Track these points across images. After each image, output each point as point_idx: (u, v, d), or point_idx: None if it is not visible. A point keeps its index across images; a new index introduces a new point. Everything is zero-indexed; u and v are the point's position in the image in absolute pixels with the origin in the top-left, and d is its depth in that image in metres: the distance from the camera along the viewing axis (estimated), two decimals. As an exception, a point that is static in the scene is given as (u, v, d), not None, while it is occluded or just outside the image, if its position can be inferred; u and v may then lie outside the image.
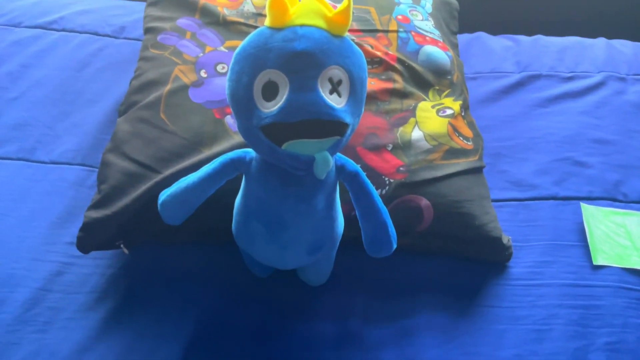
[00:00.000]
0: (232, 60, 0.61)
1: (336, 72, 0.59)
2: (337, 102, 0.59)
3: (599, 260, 0.88)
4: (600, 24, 1.50)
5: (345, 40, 0.61)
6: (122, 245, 0.79)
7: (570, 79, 1.17)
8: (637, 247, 0.90)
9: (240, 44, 0.61)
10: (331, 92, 0.58)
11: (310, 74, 0.57)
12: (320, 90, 0.57)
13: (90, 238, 0.77)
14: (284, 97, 0.57)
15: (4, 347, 0.72)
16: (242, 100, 0.60)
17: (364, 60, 0.63)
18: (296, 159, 0.60)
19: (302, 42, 0.57)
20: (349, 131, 0.61)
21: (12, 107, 1.00)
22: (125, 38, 1.14)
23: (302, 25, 0.58)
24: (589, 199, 0.96)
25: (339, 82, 0.59)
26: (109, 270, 0.81)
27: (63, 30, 1.14)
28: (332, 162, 0.61)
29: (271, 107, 0.58)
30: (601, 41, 1.28)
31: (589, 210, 0.94)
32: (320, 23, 0.59)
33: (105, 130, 0.97)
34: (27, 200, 0.87)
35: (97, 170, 0.89)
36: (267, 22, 0.60)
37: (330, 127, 0.58)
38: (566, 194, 0.96)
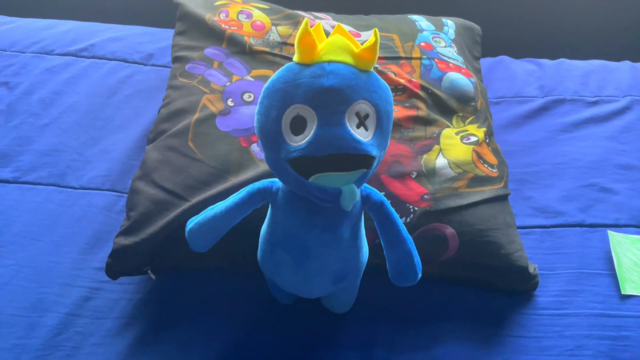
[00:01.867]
0: (262, 94, 0.62)
1: (363, 106, 0.59)
2: (364, 135, 0.59)
3: (627, 289, 0.86)
4: (625, 47, 1.49)
5: (372, 74, 0.62)
6: (149, 271, 0.80)
7: (594, 103, 1.16)
8: (667, 277, 0.89)
9: (270, 78, 0.62)
10: (358, 126, 0.59)
11: (338, 109, 0.58)
12: (348, 124, 0.58)
13: (119, 264, 0.78)
14: (312, 131, 0.58)
15: (34, 372, 0.74)
16: (270, 133, 0.61)
17: (390, 94, 0.63)
18: (323, 191, 0.60)
19: (330, 79, 0.58)
20: (375, 163, 0.62)
21: (43, 133, 1.02)
22: (153, 65, 1.17)
23: (330, 62, 0.59)
24: (616, 226, 0.95)
25: (366, 116, 0.60)
26: (136, 295, 0.82)
27: (93, 57, 1.17)
28: (358, 194, 0.62)
29: (299, 141, 0.59)
30: (626, 64, 1.27)
31: (616, 238, 0.93)
32: (348, 59, 0.60)
33: (134, 156, 0.99)
34: (58, 225, 0.89)
35: (125, 195, 0.91)
36: (295, 57, 0.61)
37: (357, 160, 0.59)
38: (593, 221, 0.95)
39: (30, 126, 1.03)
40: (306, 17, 1.04)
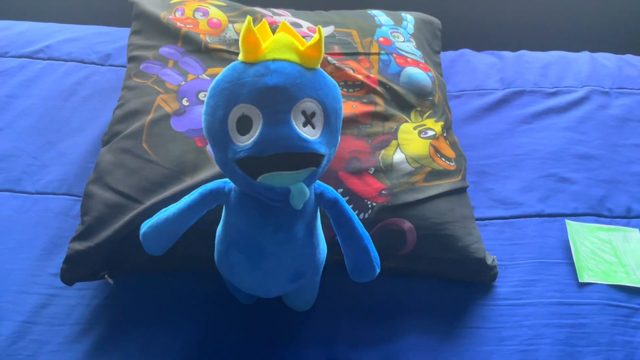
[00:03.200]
0: (207, 94, 0.61)
1: (309, 104, 0.59)
2: (311, 134, 0.59)
3: (584, 277, 0.88)
4: (584, 38, 1.52)
5: (318, 72, 0.61)
6: (106, 276, 0.79)
7: (554, 94, 1.18)
8: (623, 263, 0.90)
9: (215, 77, 0.61)
10: (305, 125, 0.59)
11: (283, 108, 0.58)
12: (294, 123, 0.58)
13: (74, 270, 0.77)
14: (258, 131, 0.57)
15: (-12, 383, 0.72)
16: (217, 134, 0.60)
17: (338, 91, 0.63)
18: (272, 190, 0.60)
19: (274, 77, 0.58)
20: (324, 161, 0.61)
21: (-3, 138, 1.00)
22: (111, 65, 1.15)
23: (274, 60, 0.59)
24: (574, 215, 0.97)
25: (313, 114, 0.60)
26: (94, 300, 0.81)
27: (49, 59, 1.15)
28: (308, 192, 0.61)
29: (245, 141, 0.58)
30: (585, 55, 1.29)
31: (574, 227, 0.94)
32: (293, 57, 0.59)
33: (91, 159, 0.97)
34: (13, 231, 0.88)
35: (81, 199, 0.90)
36: (240, 56, 0.61)
37: (304, 159, 0.59)
38: (551, 211, 0.97)
39: (-17, 131, 1.01)
40: (264, 13, 1.03)
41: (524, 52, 1.29)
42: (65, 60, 1.15)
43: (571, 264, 0.90)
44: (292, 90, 0.58)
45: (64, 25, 1.24)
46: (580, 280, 0.87)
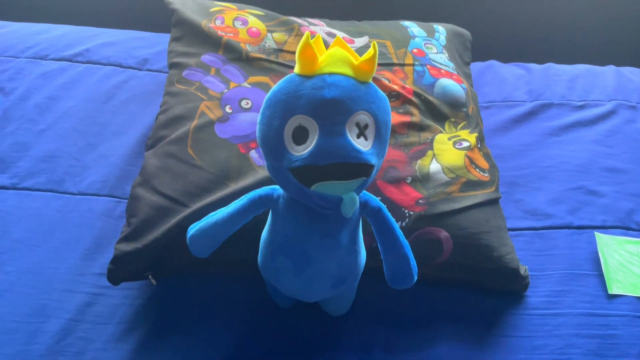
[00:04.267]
0: (263, 105, 0.64)
1: (363, 117, 0.61)
2: (363, 145, 0.61)
3: (613, 289, 0.89)
4: (610, 51, 1.53)
5: (370, 85, 0.64)
6: (150, 277, 0.82)
7: (581, 107, 1.20)
8: (652, 276, 0.92)
9: (271, 89, 0.64)
10: (358, 136, 0.61)
11: (339, 119, 0.60)
12: (348, 134, 0.60)
13: (120, 270, 0.79)
14: (314, 141, 0.60)
15: (37, 378, 0.75)
16: (272, 143, 0.62)
17: (388, 104, 0.65)
18: (324, 199, 0.62)
19: (331, 90, 0.60)
20: (374, 172, 0.64)
21: (40, 139, 1.03)
22: (148, 70, 1.18)
23: (330, 74, 0.61)
24: (602, 227, 0.98)
25: (366, 126, 0.62)
26: (138, 300, 0.83)
27: (88, 62, 1.18)
28: (358, 201, 0.64)
29: (301, 151, 0.60)
30: (611, 69, 1.31)
31: (603, 240, 0.96)
32: (347, 71, 0.62)
33: (131, 161, 1.00)
34: (57, 231, 0.90)
35: (124, 201, 0.92)
36: (296, 69, 0.63)
37: (357, 169, 0.61)
38: (580, 223, 0.98)
39: (26, 132, 1.03)
40: (300, 23, 1.06)
41: (551, 65, 1.31)
42: (104, 64, 1.17)
43: (600, 275, 0.91)
44: (347, 103, 0.60)
45: (102, 29, 1.27)
46: (609, 292, 0.89)
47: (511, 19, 1.54)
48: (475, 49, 1.26)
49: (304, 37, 0.60)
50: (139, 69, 1.18)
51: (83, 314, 0.81)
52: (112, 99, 1.11)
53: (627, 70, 1.31)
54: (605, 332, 0.84)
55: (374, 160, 0.62)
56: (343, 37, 1.05)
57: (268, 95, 0.64)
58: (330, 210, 0.64)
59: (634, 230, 0.99)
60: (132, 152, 1.01)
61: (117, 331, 0.80)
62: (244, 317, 0.82)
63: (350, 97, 0.60)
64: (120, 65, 1.18)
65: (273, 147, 0.63)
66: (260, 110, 0.64)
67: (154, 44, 1.23)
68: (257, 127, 0.64)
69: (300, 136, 0.60)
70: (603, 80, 1.26)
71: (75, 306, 0.82)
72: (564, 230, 0.97)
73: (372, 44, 0.62)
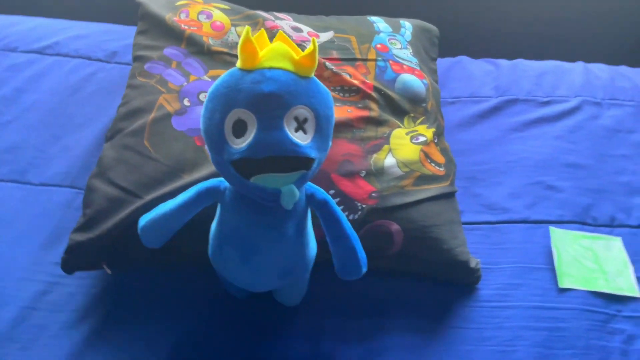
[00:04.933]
0: (207, 97, 0.65)
1: (302, 111, 0.63)
2: (302, 138, 0.63)
3: (565, 283, 0.91)
4: (580, 48, 1.54)
5: (312, 80, 0.65)
6: (104, 266, 0.83)
7: (546, 103, 1.21)
8: (604, 271, 0.93)
9: (214, 82, 0.65)
10: (297, 130, 0.62)
11: (276, 113, 0.61)
12: (286, 128, 0.61)
13: (74, 259, 0.81)
14: (252, 134, 0.61)
15: (-10, 364, 0.76)
16: (214, 136, 0.64)
17: (331, 99, 0.67)
18: (263, 191, 0.64)
19: (269, 84, 0.61)
20: (314, 165, 0.65)
21: (5, 131, 1.04)
22: (116, 62, 1.19)
23: (270, 68, 0.62)
24: (559, 222, 1.00)
25: (305, 120, 0.63)
26: (93, 290, 0.84)
27: (57, 54, 1.19)
28: (298, 193, 0.65)
29: (240, 144, 0.62)
30: (579, 65, 1.32)
31: (557, 234, 0.97)
32: (288, 65, 0.63)
33: (95, 153, 1.00)
34: (18, 221, 0.92)
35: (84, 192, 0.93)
36: (238, 63, 0.64)
37: (295, 162, 0.62)
38: (537, 218, 1.00)
39: (-8, 124, 1.05)
40: (265, 17, 1.07)
41: (520, 61, 1.32)
42: (73, 57, 1.19)
43: (553, 269, 0.93)
44: (285, 97, 0.61)
45: (73, 22, 1.28)
46: (560, 286, 0.90)
47: (484, 14, 1.55)
48: (447, 44, 1.27)
49: (244, 32, 0.61)
50: (108, 62, 1.19)
51: (38, 301, 0.83)
52: (79, 92, 1.12)
53: (596, 67, 1.32)
54: (553, 324, 0.86)
55: (313, 154, 0.63)
56: (308, 32, 1.06)
57: (211, 88, 0.65)
58: (270, 202, 0.66)
59: (590, 225, 1.00)
60: (96, 144, 1.02)
61: (71, 319, 0.81)
62: (197, 307, 0.84)
63: (288, 91, 0.62)
64: (89, 58, 1.19)
65: (215, 140, 0.64)
66: (204, 103, 0.65)
67: (123, 37, 1.24)
68: (201, 119, 0.66)
69: (240, 129, 0.62)
70: (570, 76, 1.28)
71: (31, 294, 0.83)
72: (520, 224, 0.99)
73: (312, 39, 0.63)
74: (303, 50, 0.97)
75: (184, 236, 0.76)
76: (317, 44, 0.63)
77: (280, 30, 0.67)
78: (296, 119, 0.62)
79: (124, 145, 0.87)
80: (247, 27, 0.61)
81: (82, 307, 0.82)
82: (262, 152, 0.61)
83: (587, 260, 0.95)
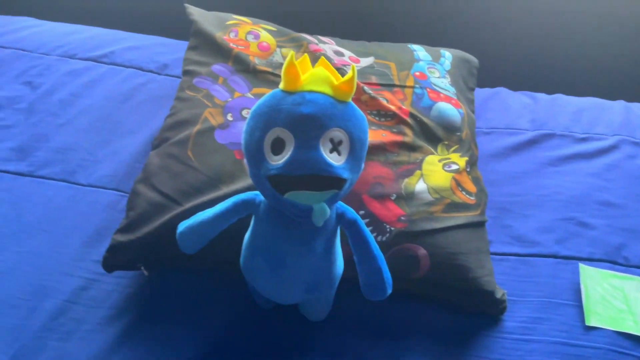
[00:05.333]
0: (249, 115, 0.69)
1: (337, 133, 0.66)
2: (336, 160, 0.66)
3: (591, 321, 0.90)
4: (622, 87, 1.53)
5: (349, 105, 0.68)
6: (142, 268, 0.87)
7: (584, 140, 1.20)
8: (633, 312, 0.92)
9: (257, 102, 0.69)
10: (331, 151, 0.65)
11: (313, 134, 0.64)
12: (322, 149, 0.65)
13: (114, 259, 0.85)
14: (289, 153, 0.64)
15: (30, 351, 0.81)
16: (253, 151, 0.67)
17: (366, 123, 0.70)
18: (296, 207, 0.67)
19: (308, 107, 0.64)
20: (346, 185, 0.68)
21: (59, 132, 1.11)
22: (166, 75, 1.25)
23: (310, 91, 0.66)
24: (589, 260, 0.99)
25: (340, 142, 0.66)
26: (128, 289, 0.89)
27: (112, 63, 1.26)
28: (328, 212, 0.68)
29: (278, 161, 0.65)
30: (620, 104, 1.31)
31: (587, 271, 0.97)
32: (327, 90, 0.66)
33: (140, 159, 1.06)
34: (65, 218, 0.97)
35: (127, 195, 0.98)
36: (281, 85, 0.68)
37: (328, 181, 0.65)
38: (567, 254, 0.99)
39: (48, 124, 1.12)
40: (310, 40, 1.11)
41: (559, 96, 1.33)
42: (126, 67, 1.25)
43: (580, 306, 0.92)
44: (322, 119, 0.65)
45: (129, 33, 1.36)
46: (587, 324, 0.89)
47: (525, 46, 1.56)
48: (487, 75, 1.29)
49: (288, 56, 0.65)
50: (158, 73, 1.25)
51: (78, 296, 0.87)
52: (129, 100, 1.18)
53: (637, 107, 1.31)
54: (578, 362, 0.85)
55: (345, 175, 0.66)
56: (350, 57, 1.10)
57: (254, 107, 0.69)
58: (301, 218, 0.69)
59: (620, 265, 0.99)
60: (142, 151, 1.08)
61: (107, 315, 0.85)
62: (225, 314, 0.87)
63: (325, 114, 0.65)
64: (141, 69, 1.26)
65: (254, 155, 0.68)
66: (246, 120, 0.69)
67: (175, 50, 1.30)
68: (242, 135, 0.70)
69: (278, 147, 0.65)
70: (610, 114, 1.27)
71: (71, 289, 0.88)
72: (549, 259, 0.99)
73: (351, 67, 0.67)
74: (343, 74, 1.02)
75: (218, 243, 0.80)
76: (356, 71, 0.66)
77: (322, 56, 0.71)
78: (331, 140, 0.65)
79: (168, 153, 0.92)
80: (291, 51, 0.65)
81: (118, 304, 0.87)
82: (297, 169, 0.64)
83: (616, 300, 0.94)
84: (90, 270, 0.90)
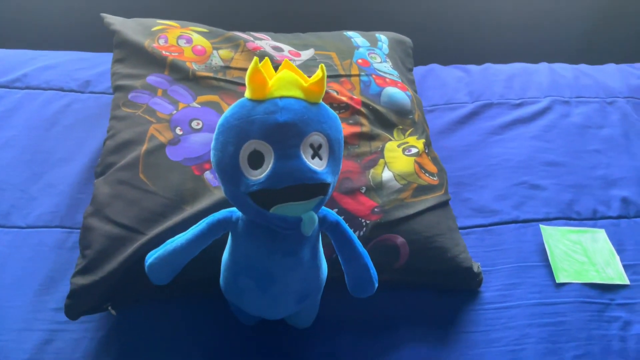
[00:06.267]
0: (216, 130, 0.64)
1: (316, 137, 0.63)
2: (318, 165, 0.63)
3: (560, 278, 0.95)
4: (541, 48, 1.61)
5: (321, 106, 0.65)
6: (109, 308, 0.80)
7: (519, 105, 1.26)
8: (593, 262, 0.98)
9: (223, 115, 0.64)
10: (313, 157, 0.63)
11: (293, 142, 0.61)
12: (303, 156, 0.61)
13: (78, 304, 0.77)
14: (270, 165, 0.61)
15: None
16: (228, 168, 0.63)
17: (339, 122, 0.67)
18: (284, 220, 0.64)
19: (283, 114, 0.61)
20: (330, 189, 0.65)
21: (-18, 172, 0.99)
22: (91, 92, 1.15)
23: (281, 97, 0.62)
24: (546, 219, 1.04)
25: (319, 146, 0.63)
26: (99, 333, 0.81)
27: (27, 87, 1.14)
28: (317, 219, 0.65)
29: (258, 175, 0.61)
30: (544, 66, 1.38)
31: (547, 231, 1.01)
32: (298, 93, 0.63)
33: (81, 189, 0.97)
34: (8, 267, 0.87)
35: (76, 231, 0.90)
36: (247, 94, 0.64)
37: (314, 189, 0.62)
38: (526, 217, 1.04)
39: (-33, 165, 0.99)
40: (246, 38, 1.06)
41: (489, 65, 1.37)
42: (44, 89, 1.14)
43: (547, 266, 0.96)
44: (300, 125, 0.61)
45: (39, 51, 1.23)
46: (557, 281, 0.94)
47: (449, 21, 1.60)
48: (416, 53, 1.30)
49: (252, 62, 0.61)
50: (82, 92, 1.15)
51: (42, 352, 0.79)
52: (55, 125, 1.08)
53: (559, 67, 1.38)
54: (555, 319, 0.89)
55: (329, 179, 0.64)
56: (289, 51, 1.07)
57: (220, 121, 0.64)
58: (290, 230, 0.65)
59: (575, 219, 1.05)
60: (81, 180, 0.99)
61: (80, 366, 0.78)
62: (208, 339, 0.82)
63: (302, 119, 0.62)
64: (61, 89, 1.15)
65: (229, 172, 0.63)
66: (214, 136, 0.64)
67: (95, 64, 1.20)
68: (212, 152, 0.65)
69: (256, 160, 0.61)
70: (538, 77, 1.33)
71: (33, 345, 0.79)
72: (511, 225, 1.03)
73: (320, 66, 0.64)
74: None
75: (189, 265, 0.74)
76: (325, 70, 0.64)
77: (286, 59, 0.67)
78: (311, 145, 0.63)
79: (118, 180, 0.84)
80: (255, 58, 0.61)
81: (89, 352, 0.79)
82: (281, 182, 0.61)
83: (577, 253, 0.99)
84: (51, 320, 0.82)
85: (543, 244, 0.99)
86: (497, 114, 1.23)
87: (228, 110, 0.64)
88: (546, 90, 1.29)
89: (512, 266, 0.96)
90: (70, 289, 0.77)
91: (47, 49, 1.25)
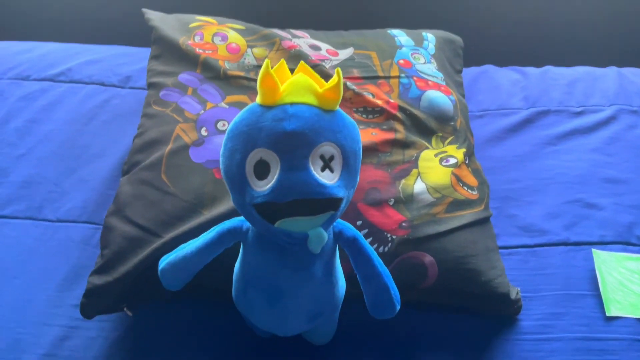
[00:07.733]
0: (225, 136, 0.61)
1: (328, 148, 0.58)
2: (329, 178, 0.58)
3: (612, 311, 0.85)
4: (611, 51, 1.47)
5: (337, 113, 0.60)
6: (125, 309, 0.79)
7: (580, 113, 1.15)
8: (653, 295, 0.87)
9: (233, 120, 0.61)
10: (323, 169, 0.58)
11: (301, 153, 0.57)
12: (312, 168, 0.57)
13: (93, 304, 0.77)
14: (276, 176, 0.57)
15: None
16: (235, 177, 0.60)
17: (358, 132, 0.62)
18: (289, 235, 0.59)
19: (291, 122, 0.57)
20: (343, 204, 0.60)
21: (19, 164, 1.01)
22: (131, 87, 1.16)
23: (292, 104, 0.58)
24: (601, 243, 0.94)
25: (331, 157, 0.59)
26: (114, 333, 0.81)
27: (70, 81, 1.16)
28: (326, 236, 0.61)
29: (263, 186, 0.57)
30: (612, 71, 1.25)
31: (600, 257, 0.91)
32: (311, 100, 0.58)
33: (111, 185, 0.97)
34: (35, 260, 0.88)
35: (102, 227, 0.90)
36: (258, 99, 0.60)
37: (322, 204, 0.58)
38: (577, 239, 0.94)
39: (5, 157, 1.02)
40: (283, 36, 1.02)
41: (549, 68, 1.26)
42: (86, 83, 1.15)
43: (598, 296, 0.87)
44: (310, 134, 0.57)
45: (85, 45, 1.26)
46: (607, 314, 0.84)
47: (508, 19, 1.49)
48: (470, 52, 1.22)
49: (263, 66, 0.57)
50: (122, 87, 1.16)
51: (58, 348, 0.79)
52: (93, 120, 1.09)
53: (629, 72, 1.25)
54: (602, 357, 0.80)
55: (341, 193, 0.59)
56: (327, 50, 1.02)
57: (230, 126, 0.61)
58: (296, 246, 0.61)
59: (634, 245, 0.94)
60: (112, 176, 0.99)
61: (93, 366, 0.78)
62: (222, 347, 0.80)
63: (312, 128, 0.57)
64: (102, 84, 1.16)
65: (236, 180, 0.60)
66: (223, 142, 0.61)
67: (137, 60, 1.20)
68: (220, 159, 0.62)
69: (262, 170, 0.58)
70: (603, 83, 1.21)
71: (50, 340, 0.80)
72: (560, 247, 0.93)
73: (336, 70, 0.59)
74: (323, 71, 0.94)
75: (206, 273, 0.72)
76: (341, 75, 0.59)
77: (301, 61, 0.62)
78: (322, 157, 0.58)
79: (140, 179, 0.83)
80: (266, 61, 0.57)
81: (104, 352, 0.79)
82: (286, 195, 0.57)
83: (634, 284, 0.89)
84: (70, 316, 0.82)
85: (594, 271, 0.89)
86: (554, 122, 1.13)
87: (238, 115, 0.61)
88: (612, 97, 1.17)
89: (557, 294, 0.87)
90: (86, 288, 0.77)
91: (92, 43, 1.26)
